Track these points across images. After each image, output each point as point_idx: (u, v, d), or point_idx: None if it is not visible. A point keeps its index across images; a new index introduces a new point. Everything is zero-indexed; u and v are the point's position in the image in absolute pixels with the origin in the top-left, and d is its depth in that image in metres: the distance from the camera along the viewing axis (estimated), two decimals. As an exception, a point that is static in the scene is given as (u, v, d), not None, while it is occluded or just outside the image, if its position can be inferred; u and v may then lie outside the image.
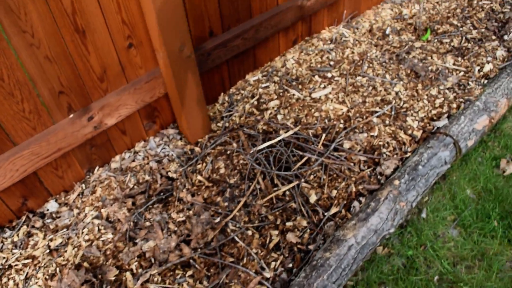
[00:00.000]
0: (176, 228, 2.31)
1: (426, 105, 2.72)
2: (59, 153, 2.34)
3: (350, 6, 3.43)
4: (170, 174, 2.57)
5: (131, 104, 2.44)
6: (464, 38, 3.24)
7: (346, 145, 2.53)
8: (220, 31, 2.63)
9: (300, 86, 2.89)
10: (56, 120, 2.28)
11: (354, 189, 2.33)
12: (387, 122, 2.63)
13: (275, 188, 2.37)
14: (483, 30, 3.30)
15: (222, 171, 2.49)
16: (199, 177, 2.48)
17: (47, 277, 2.24)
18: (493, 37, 3.22)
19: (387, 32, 3.33)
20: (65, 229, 2.42)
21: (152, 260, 2.21)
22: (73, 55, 2.14)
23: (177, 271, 2.17)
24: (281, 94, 2.82)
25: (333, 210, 2.27)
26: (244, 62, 2.92)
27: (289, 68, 3.00)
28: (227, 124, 2.76)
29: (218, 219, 2.30)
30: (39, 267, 2.29)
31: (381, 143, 2.53)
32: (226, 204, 2.36)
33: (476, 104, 2.61)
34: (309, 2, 2.96)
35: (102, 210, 2.45)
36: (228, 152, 2.56)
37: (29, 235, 2.45)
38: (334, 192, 2.34)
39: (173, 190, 2.49)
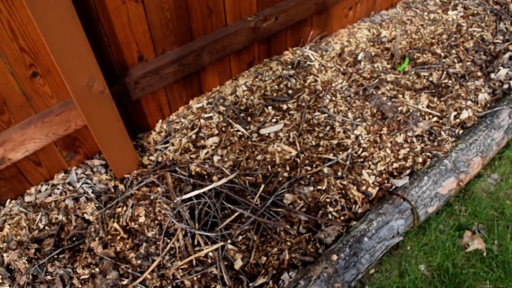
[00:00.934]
0: (80, 286, 2.01)
1: (388, 156, 2.36)
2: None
3: (319, 26, 3.04)
4: (86, 216, 2.26)
5: (40, 138, 2.11)
6: (445, 72, 2.84)
7: (288, 199, 2.19)
8: (152, 56, 2.28)
9: (248, 119, 2.54)
10: None
11: (287, 257, 2.01)
12: (339, 173, 2.29)
13: (197, 248, 2.06)
14: (468, 63, 2.90)
15: (141, 219, 2.17)
16: (115, 225, 2.16)
17: None
18: (479, 74, 2.82)
19: (359, 57, 2.95)
20: (-41, 275, 2.13)
21: (46, 324, 1.92)
22: (-44, 86, 1.81)
23: None
24: (223, 129, 2.47)
25: (260, 280, 1.95)
26: (186, 87, 2.57)
27: (239, 96, 2.64)
28: (159, 159, 2.43)
29: (126, 281, 1.99)
30: None
31: (328, 200, 2.19)
32: (139, 262, 2.05)
33: (444, 162, 2.25)
34: (265, 24, 2.58)
35: (5, 255, 2.15)
36: (152, 197, 2.24)
37: None
38: (264, 259, 2.01)
39: (85, 237, 2.18)
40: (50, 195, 2.35)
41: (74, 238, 2.19)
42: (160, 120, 2.60)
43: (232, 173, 2.26)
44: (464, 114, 2.55)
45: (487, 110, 2.57)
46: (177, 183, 2.28)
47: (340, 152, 2.38)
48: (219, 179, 2.26)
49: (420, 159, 2.34)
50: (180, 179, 2.29)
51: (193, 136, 2.46)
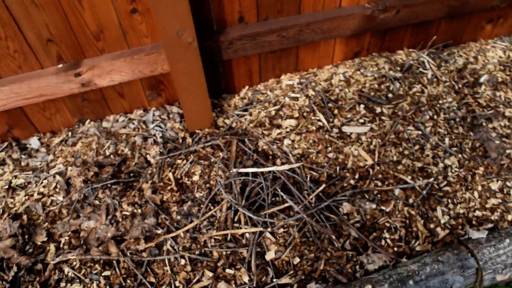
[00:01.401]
0: (120, 220, 2.08)
1: (473, 200, 2.06)
2: (42, 98, 2.19)
3: (447, 32, 2.68)
4: (148, 157, 2.31)
5: (126, 72, 2.16)
6: None
7: (345, 208, 2.02)
8: (253, 20, 2.18)
9: (335, 111, 2.36)
10: (44, 66, 2.11)
11: (321, 267, 1.87)
12: (410, 200, 2.05)
13: (236, 225, 2.00)
14: None
15: (195, 178, 2.17)
16: (170, 175, 2.18)
17: (-11, 213, 2.18)
18: None
19: (482, 80, 2.57)
20: (31, 172, 2.33)
21: (82, 242, 2.03)
22: (64, 7, 1.89)
23: (96, 266, 1.96)
24: (304, 114, 2.33)
25: (285, 280, 1.85)
26: (282, 60, 2.45)
27: (333, 85, 2.46)
28: (233, 125, 2.38)
29: (160, 231, 2.01)
30: (-11, 200, 2.24)
31: (388, 224, 1.98)
32: (178, 217, 2.06)
33: (537, 228, 1.90)
34: (384, 15, 2.33)
35: (69, 168, 2.30)
36: (212, 160, 2.21)
37: (2, 163, 2.41)
38: (297, 260, 1.90)
39: (141, 177, 2.24)
40: (124, 127, 2.44)
41: (131, 174, 2.26)
42: (247, 87, 2.53)
43: (297, 163, 2.14)
44: None
45: None
46: (240, 154, 2.22)
47: (420, 178, 2.12)
48: (282, 164, 2.15)
49: (510, 217, 2.00)
50: (244, 151, 2.22)
51: (273, 113, 2.36)
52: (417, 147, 2.24)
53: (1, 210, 2.19)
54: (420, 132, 2.29)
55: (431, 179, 2.11)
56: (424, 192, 2.07)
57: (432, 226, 1.98)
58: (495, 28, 2.82)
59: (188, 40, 1.91)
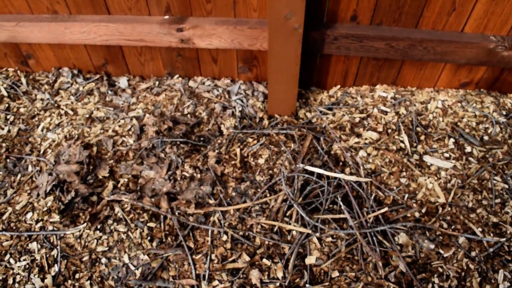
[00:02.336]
0: (179, 179, 2.12)
1: (544, 274, 1.86)
2: (141, 43, 2.27)
3: None
4: (222, 127, 2.33)
5: (226, 40, 2.17)
6: None
7: (400, 239, 1.91)
8: (366, 22, 2.09)
9: (421, 137, 2.22)
10: (152, 13, 2.18)
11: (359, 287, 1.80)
12: (473, 254, 1.89)
13: (286, 219, 1.97)
14: None
15: (261, 161, 2.15)
16: (237, 150, 2.18)
17: (67, 136, 2.32)
18: None
19: None
20: (112, 108, 2.44)
21: (138, 188, 2.10)
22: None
23: (144, 215, 2.03)
24: (388, 131, 2.22)
25: (319, 287, 1.81)
26: (382, 70, 2.34)
27: (428, 110, 2.31)
28: (314, 120, 2.32)
29: (212, 202, 2.03)
30: (70, 123, 2.39)
31: (441, 270, 1.85)
32: (233, 194, 2.06)
33: None
34: (507, 53, 2.13)
35: (147, 116, 2.38)
36: (282, 148, 2.17)
37: (90, 92, 2.54)
38: (336, 274, 1.84)
39: (209, 144, 2.26)
40: (208, 91, 2.47)
41: (201, 138, 2.29)
42: (338, 86, 2.45)
43: (366, 177, 2.05)
44: None
45: None
46: (311, 151, 2.16)
47: (491, 234, 1.95)
48: (350, 174, 2.07)
49: None
50: (316, 150, 2.17)
51: (357, 120, 2.27)
52: (498, 200, 2.05)
53: (77, 136, 2.32)
54: (506, 186, 2.09)
55: (504, 239, 1.93)
56: (491, 249, 1.90)
57: (488, 287, 1.82)
58: None
59: (295, 26, 1.87)
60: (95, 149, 2.25)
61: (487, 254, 1.90)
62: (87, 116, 2.42)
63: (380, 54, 2.18)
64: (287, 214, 1.97)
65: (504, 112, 2.35)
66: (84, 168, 2.16)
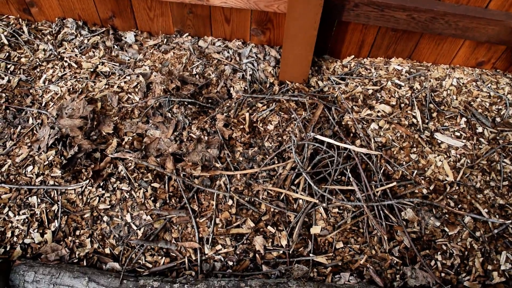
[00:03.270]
0: (185, 140, 2.07)
1: (546, 257, 1.87)
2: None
3: None
4: (231, 90, 2.27)
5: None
6: None
7: (407, 214, 1.90)
8: (389, -10, 2.01)
9: (434, 114, 2.19)
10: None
11: (362, 262, 1.79)
12: (478, 234, 1.89)
13: (293, 187, 1.94)
14: None
15: (270, 127, 2.10)
16: (246, 115, 2.13)
17: (70, 89, 2.25)
18: None
19: None
20: (118, 64, 2.36)
21: (143, 147, 2.05)
22: None
23: (148, 174, 1.99)
24: (401, 105, 2.17)
25: (321, 259, 1.80)
26: (399, 42, 2.27)
27: (442, 87, 2.26)
28: (326, 89, 2.27)
29: (219, 165, 1.99)
30: (74, 76, 2.31)
31: (444, 247, 1.85)
32: (240, 159, 2.02)
33: None
34: (534, 34, 2.08)
35: (154, 74, 2.30)
36: (292, 116, 2.12)
37: (95, 46, 2.45)
38: (340, 245, 1.83)
39: (218, 106, 2.20)
40: (218, 52, 2.39)
41: (209, 100, 2.23)
42: (352, 56, 2.38)
43: (376, 150, 2.02)
44: None
45: None
46: (322, 120, 2.12)
47: (497, 216, 1.94)
48: (361, 146, 2.03)
49: None
50: (327, 119, 2.12)
51: (370, 91, 2.22)
52: (506, 183, 2.04)
53: (80, 90, 2.24)
54: (515, 169, 2.08)
55: (509, 222, 1.93)
56: (496, 231, 1.90)
57: (490, 267, 1.83)
58: None
59: (317, -11, 1.79)
60: (99, 104, 2.18)
61: (492, 235, 1.90)
62: (92, 70, 2.34)
63: (400, 25, 2.11)
64: (295, 182, 1.94)
65: (518, 94, 2.31)
66: (88, 123, 2.10)
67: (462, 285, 1.80)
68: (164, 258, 1.81)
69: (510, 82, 2.34)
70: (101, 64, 2.36)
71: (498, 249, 1.87)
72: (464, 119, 2.19)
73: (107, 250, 1.83)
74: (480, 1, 2.01)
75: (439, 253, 1.84)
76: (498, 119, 2.23)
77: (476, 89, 2.29)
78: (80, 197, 1.95)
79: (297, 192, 1.91)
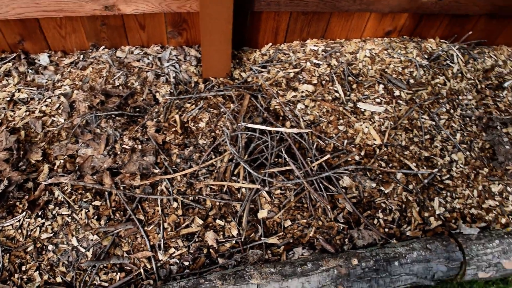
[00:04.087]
0: (119, 153, 2.05)
1: (471, 198, 2.05)
2: (61, 14, 2.12)
3: (484, 30, 2.61)
4: (157, 95, 2.27)
5: (153, 3, 2.09)
6: None
7: (344, 181, 2.01)
8: (292, -25, 2.10)
9: (354, 86, 2.31)
10: (69, -22, 2.03)
11: (311, 234, 1.87)
12: (410, 187, 2.03)
13: (234, 178, 1.98)
14: None
15: (201, 125, 2.13)
16: (177, 116, 2.14)
17: (-12, 121, 2.14)
18: None
19: (506, 85, 2.52)
20: (35, 88, 2.28)
21: (77, 168, 2.00)
22: None
23: (87, 194, 1.95)
24: (323, 82, 2.28)
25: (273, 240, 1.85)
26: (311, 24, 2.38)
27: (357, 59, 2.40)
28: (249, 79, 2.33)
29: (157, 171, 1.99)
30: (-11, 107, 2.20)
31: (384, 205, 1.97)
32: (178, 160, 2.03)
33: (530, 236, 1.90)
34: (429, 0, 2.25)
35: (75, 92, 2.25)
36: (222, 110, 2.16)
37: (7, 74, 2.35)
38: (288, 223, 1.90)
39: (147, 114, 2.20)
40: (138, 60, 2.38)
41: (137, 109, 2.22)
42: (270, 44, 2.46)
43: (306, 128, 2.10)
44: None
45: None
46: (251, 109, 2.18)
47: (425, 167, 2.10)
48: (291, 127, 2.11)
49: (503, 220, 2.00)
50: (255, 108, 2.18)
51: (291, 75, 2.30)
52: (427, 136, 2.21)
53: (0, 121, 2.15)
54: (433, 123, 2.25)
55: (435, 170, 2.09)
56: (426, 181, 2.06)
57: (426, 214, 1.98)
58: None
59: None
60: (23, 133, 2.10)
61: (423, 186, 2.05)
62: (8, 99, 2.24)
63: (309, 8, 2.21)
64: (235, 173, 1.99)
65: (426, 56, 2.50)
66: (14, 154, 2.02)
67: (405, 236, 1.93)
68: (119, 273, 1.78)
69: (417, 46, 2.53)
70: (17, 91, 2.27)
71: (430, 197, 2.03)
72: (381, 85, 2.34)
73: (58, 279, 1.77)
74: (375, -25, 2.16)
75: (379, 211, 1.96)
76: (411, 81, 2.40)
77: (388, 57, 2.45)
78: (20, 231, 1.87)
79: (238, 182, 1.95)
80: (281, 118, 2.16)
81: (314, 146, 2.06)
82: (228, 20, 2.03)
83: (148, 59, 2.38)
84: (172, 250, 1.82)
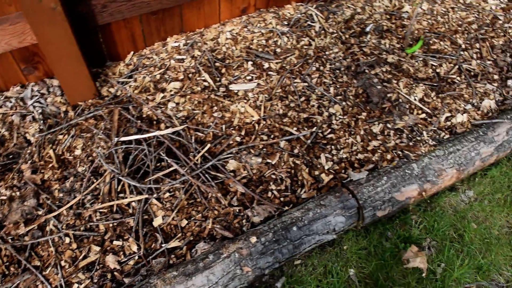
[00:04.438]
0: (-2, 205, 1.95)
1: (355, 144, 2.12)
2: None
3: (333, -17, 2.70)
4: (28, 136, 2.17)
5: (-12, 44, 1.99)
6: (457, 66, 2.48)
7: (231, 165, 2.01)
8: (120, -19, 2.07)
9: (223, 70, 2.32)
10: None
11: (209, 226, 1.87)
12: (295, 151, 2.07)
13: (121, 195, 1.94)
14: (489, 62, 2.52)
15: (77, 152, 2.07)
16: (51, 152, 2.07)
17: None
18: (495, 77, 2.46)
19: (368, 29, 2.62)
20: None
21: (-43, 234, 1.89)
22: None
23: (-27, 257, 1.84)
24: (190, 75, 2.27)
25: (174, 243, 1.83)
26: (165, 22, 2.36)
27: (220, 44, 2.41)
28: (118, 93, 2.28)
29: (41, 212, 1.92)
30: None
31: (274, 176, 2.00)
32: (61, 195, 1.96)
33: (412, 166, 1.99)
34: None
35: None
36: (94, 131, 2.11)
37: None
38: (185, 222, 1.88)
39: (21, 157, 2.10)
40: (0, 106, 2.27)
41: (10, 156, 2.12)
42: (132, 52, 2.42)
43: (181, 125, 2.09)
44: (458, 118, 2.23)
45: (485, 120, 2.24)
46: (124, 122, 2.14)
47: (306, 128, 2.15)
48: (166, 128, 2.09)
49: (389, 156, 2.08)
50: (128, 119, 2.14)
51: (158, 77, 2.28)
52: (303, 98, 2.26)
53: None
54: (306, 84, 2.30)
55: (315, 128, 2.14)
56: (309, 141, 2.11)
57: (316, 173, 2.03)
58: (379, -24, 2.87)
59: (51, 5, 1.78)
60: None
61: (307, 146, 2.09)
62: None
63: (154, 7, 2.19)
64: (120, 189, 1.94)
65: (286, 22, 2.55)
66: None
67: (301, 199, 1.97)
68: (27, 326, 1.71)
69: (275, 15, 2.57)
70: None
71: (317, 155, 2.08)
72: (250, 62, 2.36)
73: None
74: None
75: (271, 183, 1.98)
76: (278, 50, 2.44)
77: (250, 33, 2.47)
78: None
79: (126, 198, 1.91)
80: (155, 122, 2.13)
81: (193, 140, 2.06)
82: (70, 42, 1.97)
83: (10, 102, 2.27)
84: (76, 286, 1.76)
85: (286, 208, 1.90)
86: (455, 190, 2.14)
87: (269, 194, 1.96)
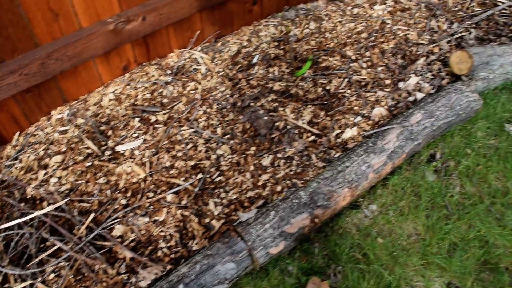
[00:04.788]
0: None
1: (245, 182, 2.06)
2: None
3: (214, 23, 2.70)
4: None
5: None
6: (347, 80, 2.46)
7: (118, 230, 1.94)
8: (-22, 68, 2.04)
9: (109, 133, 2.28)
10: None
11: (97, 301, 1.77)
12: (183, 202, 2.01)
13: (6, 285, 1.85)
14: (380, 68, 2.51)
15: (-38, 249, 1.98)
16: None
17: None
18: (387, 82, 2.44)
19: (255, 60, 2.60)
20: None
21: None
22: None
23: None
24: (72, 145, 2.22)
25: (63, 327, 1.73)
26: (44, 97, 2.33)
27: (103, 107, 2.38)
28: (5, 177, 2.21)
29: None
30: None
31: (162, 233, 1.92)
32: None
33: (299, 194, 1.93)
34: (130, 25, 2.29)
35: None
36: (-23, 223, 2.03)
37: None
38: (73, 301, 1.79)
39: None
40: None
41: None
42: (18, 132, 2.38)
43: (62, 200, 2.02)
44: (348, 133, 2.19)
45: (375, 129, 2.20)
46: (8, 208, 2.07)
47: (193, 176, 2.09)
48: (49, 205, 2.02)
49: (279, 188, 2.02)
50: (11, 205, 2.07)
51: (41, 153, 2.23)
52: (190, 145, 2.21)
53: None
54: (193, 130, 2.26)
55: (202, 174, 2.09)
56: (197, 189, 2.05)
57: (207, 220, 1.96)
58: (262, 8, 2.88)
59: None
60: None
61: (195, 194, 2.03)
62: None
63: (23, 86, 2.16)
64: (3, 280, 1.85)
65: (169, 72, 2.54)
66: None
67: (193, 251, 1.89)
68: None
69: (158, 66, 2.56)
70: None
71: (205, 202, 2.01)
72: (137, 119, 2.32)
73: None
74: (72, 27, 2.16)
75: (160, 241, 1.90)
76: (165, 100, 2.41)
77: (133, 90, 2.45)
78: None
79: (9, 288, 1.82)
80: (38, 202, 2.07)
81: (76, 213, 1.99)
82: None
83: None
84: None
85: (169, 267, 1.82)
86: (358, 207, 2.07)
87: (159, 253, 1.88)
